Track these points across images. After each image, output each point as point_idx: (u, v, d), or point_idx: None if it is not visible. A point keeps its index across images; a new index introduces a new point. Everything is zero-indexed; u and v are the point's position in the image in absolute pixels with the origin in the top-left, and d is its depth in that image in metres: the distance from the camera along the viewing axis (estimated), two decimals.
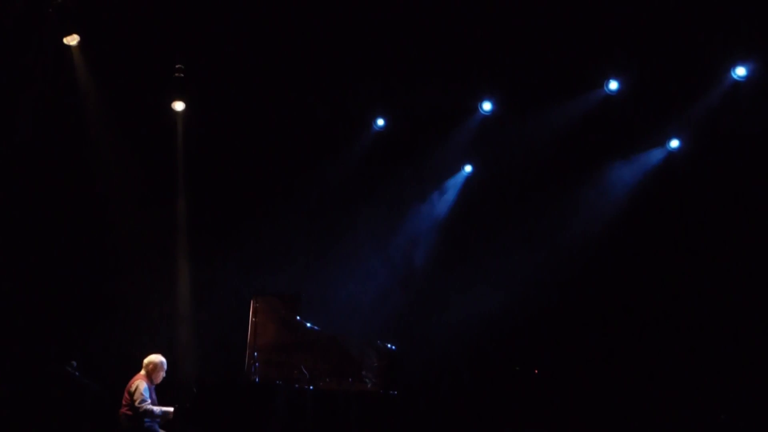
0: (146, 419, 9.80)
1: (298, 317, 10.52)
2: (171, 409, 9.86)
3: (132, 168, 12.52)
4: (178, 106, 12.54)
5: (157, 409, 9.84)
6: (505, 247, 12.65)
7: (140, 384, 9.86)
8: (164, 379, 10.18)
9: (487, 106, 12.68)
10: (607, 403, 11.65)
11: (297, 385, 10.08)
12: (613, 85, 12.07)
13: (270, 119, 12.72)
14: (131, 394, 9.83)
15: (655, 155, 12.48)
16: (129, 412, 9.82)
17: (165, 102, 12.49)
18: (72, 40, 11.65)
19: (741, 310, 11.57)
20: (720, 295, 11.70)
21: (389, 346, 10.85)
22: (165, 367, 10.14)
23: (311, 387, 10.13)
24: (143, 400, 9.77)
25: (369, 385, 10.60)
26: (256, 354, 10.16)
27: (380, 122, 13.09)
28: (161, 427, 9.90)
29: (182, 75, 12.19)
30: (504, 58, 11.85)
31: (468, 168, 13.40)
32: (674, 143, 12.41)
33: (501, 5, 11.36)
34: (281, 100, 12.57)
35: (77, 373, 10.05)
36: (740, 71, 11.45)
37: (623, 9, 11.05)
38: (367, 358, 10.74)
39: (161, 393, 10.17)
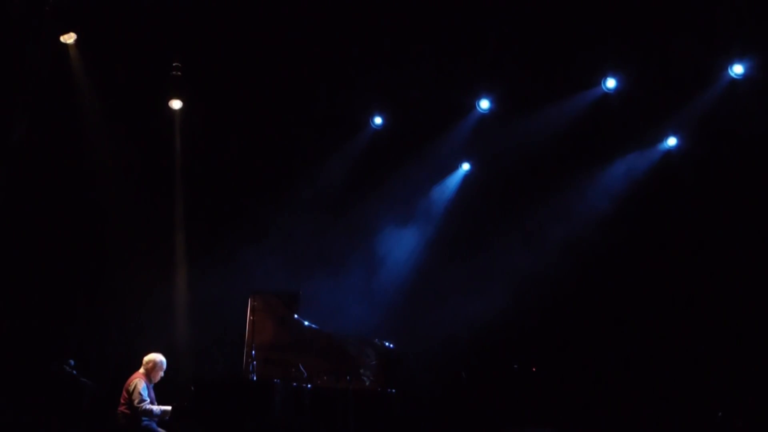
0: (144, 418, 9.78)
1: (295, 315, 10.50)
2: (169, 408, 9.84)
3: (129, 166, 12.52)
4: (176, 104, 12.54)
5: (156, 408, 9.82)
6: (503, 244, 12.65)
7: (138, 383, 9.83)
8: (162, 377, 10.16)
9: (484, 104, 12.67)
10: (606, 402, 11.64)
11: (295, 384, 10.06)
12: (611, 83, 12.08)
13: (267, 118, 12.72)
14: (129, 393, 9.81)
15: (653, 153, 12.49)
16: (127, 411, 9.80)
17: (162, 100, 12.48)
18: (69, 38, 11.63)
19: (740, 309, 11.57)
20: (719, 293, 11.71)
21: (387, 344, 10.84)
22: (165, 366, 10.12)
23: (309, 385, 10.11)
24: (142, 400, 9.74)
25: (367, 383, 10.59)
26: (253, 352, 10.14)
27: (378, 121, 13.09)
28: (159, 426, 9.88)
29: (179, 73, 12.18)
30: (502, 56, 11.85)
31: (466, 166, 13.39)
32: (672, 141, 12.41)
33: (499, 4, 11.36)
34: (278, 99, 12.56)
35: (75, 372, 10.04)
36: (738, 69, 11.47)
37: (621, 7, 11.05)
38: (365, 356, 10.73)
39: (159, 392, 10.15)
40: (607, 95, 12.17)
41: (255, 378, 10.07)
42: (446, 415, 11.83)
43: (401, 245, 13.21)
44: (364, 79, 12.27)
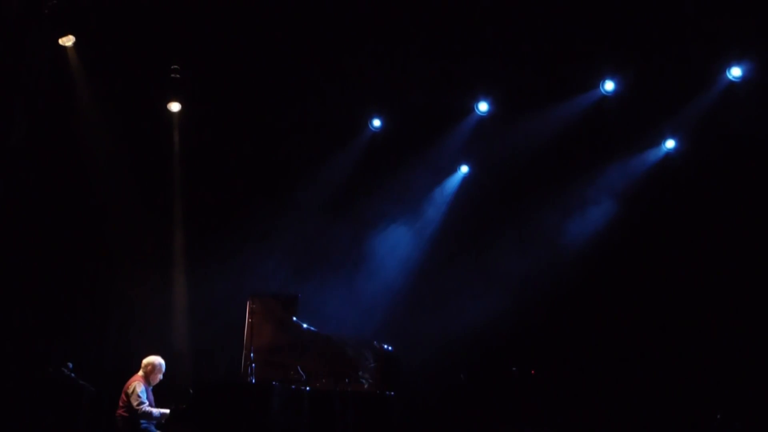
0: (143, 420, 9.77)
1: (294, 318, 10.51)
2: (168, 411, 9.83)
3: (128, 169, 12.51)
4: (174, 106, 12.54)
5: (155, 411, 9.81)
6: (502, 247, 12.66)
7: (137, 385, 9.83)
8: (161, 380, 10.15)
9: (483, 106, 12.68)
10: (605, 403, 11.65)
11: (294, 386, 10.06)
12: (609, 85, 12.09)
13: (266, 120, 12.72)
14: (128, 396, 9.80)
15: (652, 156, 12.50)
16: (126, 414, 9.79)
17: (161, 102, 12.48)
18: (67, 40, 11.63)
19: (740, 310, 11.58)
20: (718, 294, 11.72)
21: (386, 346, 10.86)
22: (163, 369, 10.11)
23: (308, 388, 10.12)
24: (141, 403, 9.74)
25: (366, 386, 10.60)
26: (252, 355, 10.14)
27: (377, 123, 13.09)
28: (158, 428, 9.88)
29: (178, 76, 12.19)
30: (500, 58, 11.86)
31: (464, 169, 13.40)
32: (670, 144, 12.43)
33: (497, 6, 11.38)
34: (277, 101, 12.56)
35: (73, 375, 10.03)
36: (735, 72, 11.49)
37: (619, 9, 11.07)
38: (363, 358, 10.74)
39: (158, 394, 10.15)
40: (606, 98, 12.19)
41: (254, 380, 10.07)
42: (445, 418, 11.83)
43: (400, 247, 13.21)
44: (363, 81, 12.27)
